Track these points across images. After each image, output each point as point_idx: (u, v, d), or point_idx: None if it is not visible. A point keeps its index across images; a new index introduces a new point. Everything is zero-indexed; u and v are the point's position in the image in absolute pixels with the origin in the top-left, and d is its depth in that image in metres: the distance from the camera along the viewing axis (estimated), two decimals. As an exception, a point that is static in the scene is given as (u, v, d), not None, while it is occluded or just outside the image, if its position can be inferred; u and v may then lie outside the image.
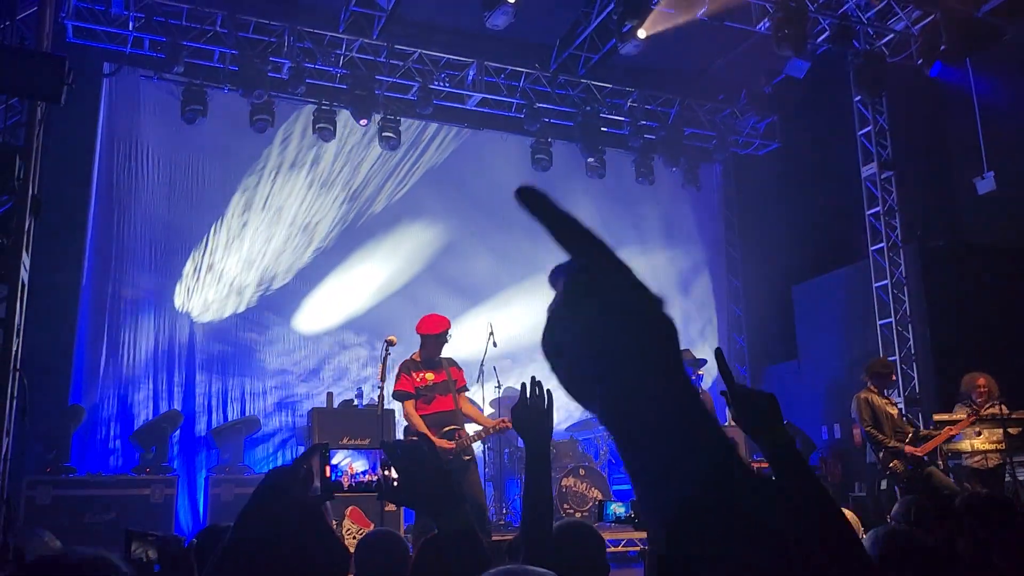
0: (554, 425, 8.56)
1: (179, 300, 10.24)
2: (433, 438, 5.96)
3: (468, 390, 6.65)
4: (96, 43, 9.74)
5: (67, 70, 5.32)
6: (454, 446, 6.10)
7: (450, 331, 6.39)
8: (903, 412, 7.35)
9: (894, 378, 7.48)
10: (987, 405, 7.15)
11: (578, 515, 8.50)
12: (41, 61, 5.24)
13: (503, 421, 6.23)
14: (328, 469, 1.67)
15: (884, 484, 10.08)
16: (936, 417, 7.35)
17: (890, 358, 10.08)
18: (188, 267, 10.31)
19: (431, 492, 1.60)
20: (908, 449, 6.93)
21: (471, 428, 6.48)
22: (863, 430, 7.27)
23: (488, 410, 9.32)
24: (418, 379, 6.26)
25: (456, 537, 1.56)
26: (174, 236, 10.31)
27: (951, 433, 7.10)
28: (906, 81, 10.44)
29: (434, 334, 6.32)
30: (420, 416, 6.19)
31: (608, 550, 8.30)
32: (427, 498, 1.62)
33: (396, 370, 6.45)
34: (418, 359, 6.38)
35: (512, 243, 10.92)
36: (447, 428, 6.23)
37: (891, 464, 6.95)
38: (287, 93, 10.36)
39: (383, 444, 1.66)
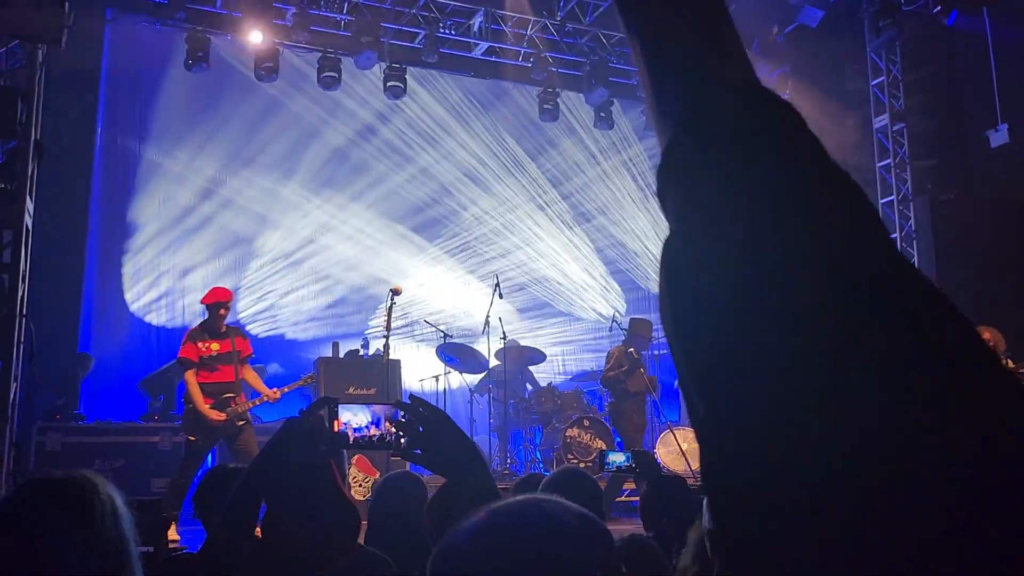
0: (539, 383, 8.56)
1: (185, 246, 10.23)
2: (205, 410, 6.26)
3: (252, 358, 6.89)
4: (98, -12, 9.56)
5: (67, 12, 5.23)
6: (224, 417, 6.33)
7: (230, 303, 6.72)
8: None
9: None
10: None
11: (582, 465, 8.55)
12: (41, 4, 5.16)
13: (309, 378, 6.84)
14: (337, 424, 1.65)
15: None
16: None
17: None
18: (195, 214, 10.28)
19: (454, 453, 1.57)
20: None
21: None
22: None
23: (493, 361, 9.33)
24: (203, 348, 6.48)
25: (479, 500, 1.54)
26: (178, 184, 10.26)
27: None
28: (921, 30, 10.22)
29: (212, 304, 6.56)
30: (199, 384, 6.41)
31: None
32: (450, 460, 1.58)
33: (183, 339, 6.69)
34: (201, 329, 6.62)
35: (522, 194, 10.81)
36: (224, 396, 6.46)
37: None
38: (291, 41, 10.19)
39: (410, 399, 1.62)
